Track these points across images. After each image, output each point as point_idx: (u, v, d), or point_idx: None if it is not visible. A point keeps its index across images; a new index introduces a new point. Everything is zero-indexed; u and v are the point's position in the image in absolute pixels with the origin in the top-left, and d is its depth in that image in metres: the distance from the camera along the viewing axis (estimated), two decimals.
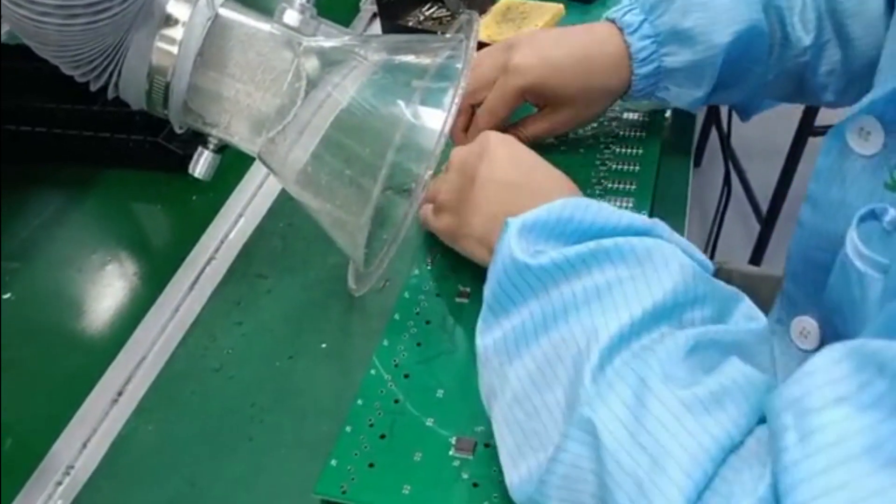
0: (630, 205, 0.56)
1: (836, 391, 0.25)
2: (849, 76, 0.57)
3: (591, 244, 0.36)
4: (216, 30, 0.44)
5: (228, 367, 0.51)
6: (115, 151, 0.68)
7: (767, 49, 0.56)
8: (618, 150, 0.62)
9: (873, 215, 0.36)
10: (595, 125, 0.64)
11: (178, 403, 0.49)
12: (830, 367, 0.26)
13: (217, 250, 0.61)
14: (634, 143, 0.62)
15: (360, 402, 0.46)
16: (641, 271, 0.35)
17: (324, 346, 0.51)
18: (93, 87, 0.44)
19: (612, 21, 0.57)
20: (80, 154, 0.69)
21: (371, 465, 0.42)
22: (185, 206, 0.65)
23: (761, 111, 0.64)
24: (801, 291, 0.46)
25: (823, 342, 0.45)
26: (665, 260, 0.35)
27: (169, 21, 0.43)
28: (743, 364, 0.32)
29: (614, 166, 0.60)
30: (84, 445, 0.48)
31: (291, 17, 0.45)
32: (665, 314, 0.34)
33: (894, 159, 0.37)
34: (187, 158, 0.49)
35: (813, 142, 1.42)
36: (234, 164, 0.58)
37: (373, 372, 0.48)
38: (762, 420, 0.30)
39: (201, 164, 0.49)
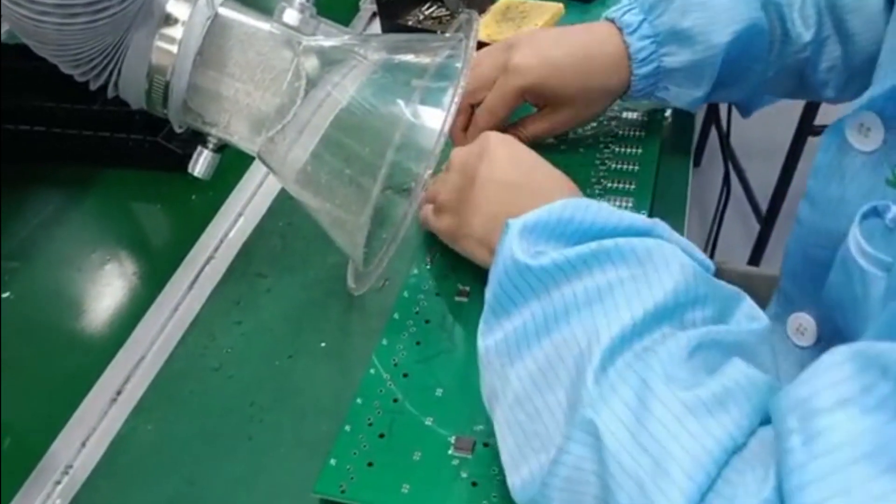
0: (629, 204, 0.56)
1: (839, 393, 0.25)
2: (850, 72, 0.57)
3: (592, 245, 0.36)
4: (216, 29, 0.44)
5: (228, 367, 0.51)
6: (115, 151, 0.68)
7: (767, 47, 0.56)
8: (617, 149, 0.62)
9: (875, 212, 0.36)
10: (594, 125, 0.64)
11: (178, 403, 0.49)
12: (834, 370, 0.26)
13: (216, 249, 0.61)
14: (634, 142, 0.62)
15: (359, 401, 0.46)
16: (642, 271, 0.35)
17: (323, 345, 0.51)
18: (92, 87, 0.44)
19: (612, 21, 0.57)
20: (79, 153, 0.69)
21: (370, 465, 0.42)
22: (184, 206, 0.65)
23: (762, 107, 0.64)
24: (798, 288, 0.46)
25: (820, 339, 0.45)
26: (666, 260, 0.35)
27: (168, 20, 0.43)
28: (745, 365, 0.32)
29: (614, 166, 0.60)
30: (83, 445, 0.48)
31: (291, 16, 0.45)
32: (666, 314, 0.34)
33: (895, 156, 0.37)
34: (187, 158, 0.49)
35: (812, 141, 1.42)
36: (233, 163, 0.58)
37: (372, 371, 0.48)
38: (764, 421, 0.30)
39: (201, 163, 0.49)
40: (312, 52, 0.46)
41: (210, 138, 0.48)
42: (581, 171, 0.59)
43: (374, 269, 0.48)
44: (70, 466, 0.47)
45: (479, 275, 0.50)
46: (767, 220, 1.54)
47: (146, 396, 0.50)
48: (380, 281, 0.54)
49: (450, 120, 0.43)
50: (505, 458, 0.37)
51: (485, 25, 0.74)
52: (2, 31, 0.77)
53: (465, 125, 0.61)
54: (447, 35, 0.53)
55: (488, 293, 0.38)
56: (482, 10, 0.76)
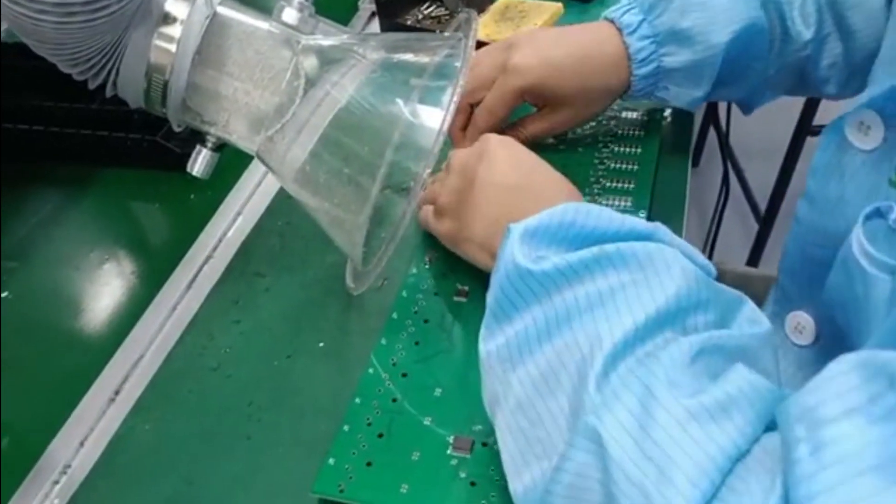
0: (628, 204, 0.56)
1: (846, 403, 0.25)
2: (851, 68, 0.57)
3: (594, 249, 0.35)
4: (214, 28, 0.44)
5: (226, 366, 0.51)
6: (113, 150, 0.68)
7: (767, 45, 0.56)
8: (616, 149, 0.62)
9: (878, 213, 0.36)
10: (594, 124, 0.64)
11: (176, 402, 0.49)
12: (840, 378, 0.26)
13: (215, 249, 0.61)
14: (633, 142, 0.62)
15: (357, 400, 0.46)
16: (644, 276, 0.34)
17: (322, 344, 0.51)
18: (91, 86, 0.44)
19: (611, 21, 0.57)
20: (77, 152, 0.69)
21: (369, 464, 0.42)
22: (183, 205, 0.65)
23: (763, 104, 0.64)
24: (796, 287, 0.46)
25: (819, 337, 0.45)
26: (667, 264, 0.35)
27: (167, 19, 0.43)
28: (748, 371, 0.32)
29: (613, 165, 0.60)
30: (81, 444, 0.48)
31: (290, 15, 0.45)
32: (668, 319, 0.34)
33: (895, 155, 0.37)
34: (185, 157, 0.49)
35: (811, 141, 1.43)
36: (232, 162, 0.58)
37: (371, 371, 0.48)
38: (768, 428, 0.30)
39: (199, 162, 0.49)
40: (311, 51, 0.46)
41: (209, 137, 0.48)
42: (580, 170, 0.59)
43: (372, 268, 0.48)
44: (68, 466, 0.47)
45: (477, 275, 0.50)
46: (766, 220, 1.54)
47: (144, 396, 0.50)
48: (378, 280, 0.54)
49: (449, 119, 0.43)
50: (507, 463, 0.37)
51: (484, 25, 0.74)
52: (0, 30, 0.77)
53: (464, 125, 0.60)
54: (446, 34, 0.53)
55: (490, 298, 0.38)
56: (481, 10, 0.76)
